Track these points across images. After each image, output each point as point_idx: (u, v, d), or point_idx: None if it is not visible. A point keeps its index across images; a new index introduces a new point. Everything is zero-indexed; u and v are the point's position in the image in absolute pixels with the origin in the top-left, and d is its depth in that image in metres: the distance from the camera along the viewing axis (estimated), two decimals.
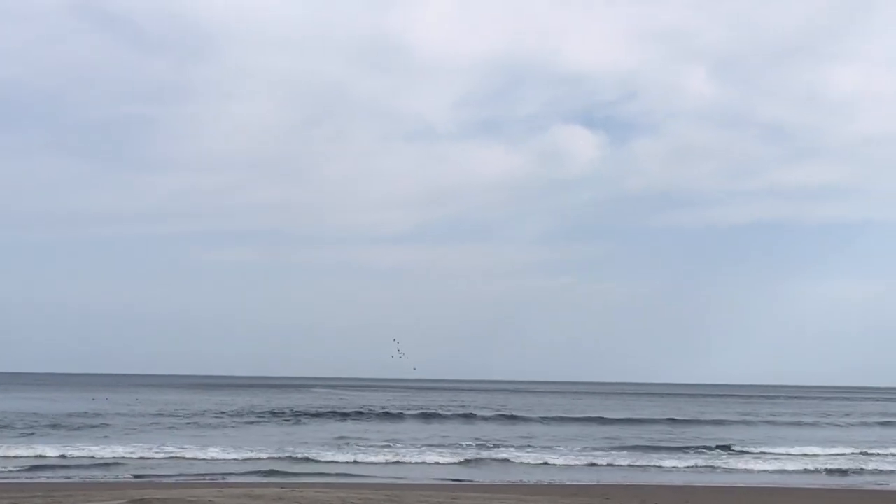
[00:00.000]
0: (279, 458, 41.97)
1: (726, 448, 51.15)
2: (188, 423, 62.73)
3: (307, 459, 42.33)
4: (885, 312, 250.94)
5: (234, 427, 61.39)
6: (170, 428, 58.58)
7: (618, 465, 42.77)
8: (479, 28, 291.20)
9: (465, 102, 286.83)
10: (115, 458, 40.87)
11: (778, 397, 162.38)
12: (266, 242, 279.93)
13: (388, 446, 48.26)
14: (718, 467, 43.10)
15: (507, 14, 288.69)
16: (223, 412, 75.04)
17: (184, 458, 41.62)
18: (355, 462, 41.58)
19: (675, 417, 78.76)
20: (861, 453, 49.75)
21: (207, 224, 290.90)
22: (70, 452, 42.17)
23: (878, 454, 49.64)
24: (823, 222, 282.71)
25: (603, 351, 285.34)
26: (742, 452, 49.26)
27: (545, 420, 73.82)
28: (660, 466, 42.67)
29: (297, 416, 72.34)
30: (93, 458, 40.92)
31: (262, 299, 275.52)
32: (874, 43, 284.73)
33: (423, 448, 47.40)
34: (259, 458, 41.81)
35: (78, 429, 55.86)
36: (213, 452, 43.14)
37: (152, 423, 61.56)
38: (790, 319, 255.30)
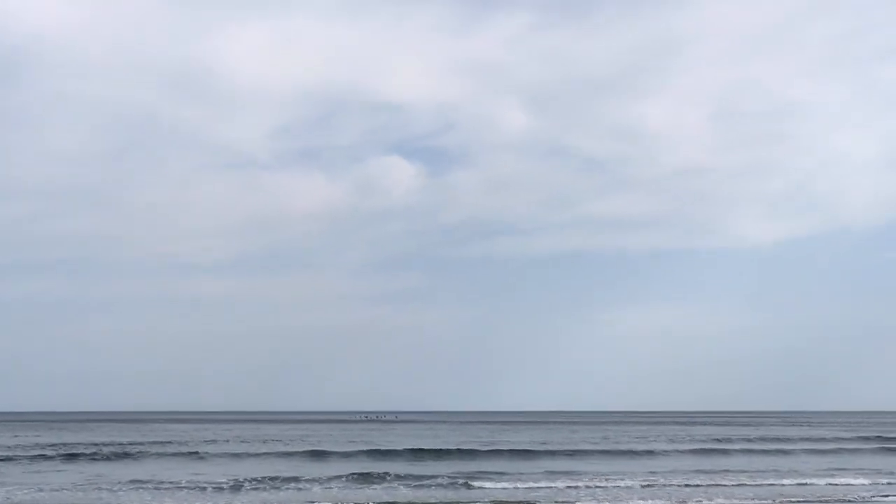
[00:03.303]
0: None
1: (465, 482, 47.00)
2: None
3: None
4: (696, 339, 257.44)
5: None
6: None
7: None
8: (297, 58, 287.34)
9: (284, 132, 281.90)
10: None
11: (589, 423, 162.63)
12: (72, 272, 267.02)
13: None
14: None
15: (326, 44, 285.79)
16: None
17: None
18: None
19: (426, 447, 74.05)
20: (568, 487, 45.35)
21: (8, 255, 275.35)
22: None
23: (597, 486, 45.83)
24: (636, 252, 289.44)
25: (421, 380, 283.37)
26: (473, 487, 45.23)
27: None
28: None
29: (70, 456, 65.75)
30: None
31: (66, 332, 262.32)
32: (683, 79, 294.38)
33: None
34: None
35: None
36: None
37: None
38: (604, 346, 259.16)
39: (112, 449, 71.78)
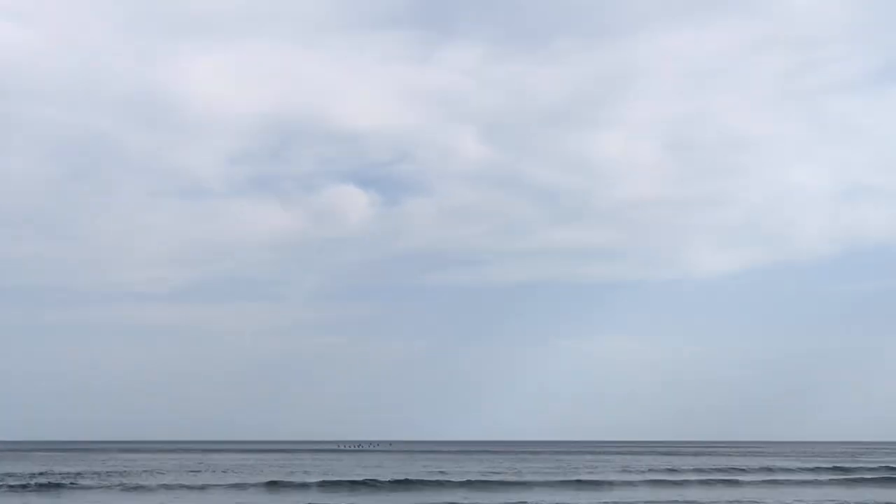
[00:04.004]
0: None
1: None
2: None
3: None
4: (649, 368, 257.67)
5: None
6: None
7: None
8: (253, 85, 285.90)
9: (240, 159, 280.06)
10: None
11: (541, 452, 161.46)
12: (21, 299, 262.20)
13: None
14: None
15: (282, 72, 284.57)
16: None
17: None
18: None
19: (378, 478, 72.18)
20: None
21: None
22: None
23: None
24: (590, 282, 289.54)
25: (376, 409, 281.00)
26: None
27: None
28: None
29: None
30: None
31: (14, 359, 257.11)
32: (637, 111, 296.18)
33: None
34: None
35: None
36: None
37: None
38: (559, 376, 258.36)
39: (46, 479, 69.39)
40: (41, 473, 77.80)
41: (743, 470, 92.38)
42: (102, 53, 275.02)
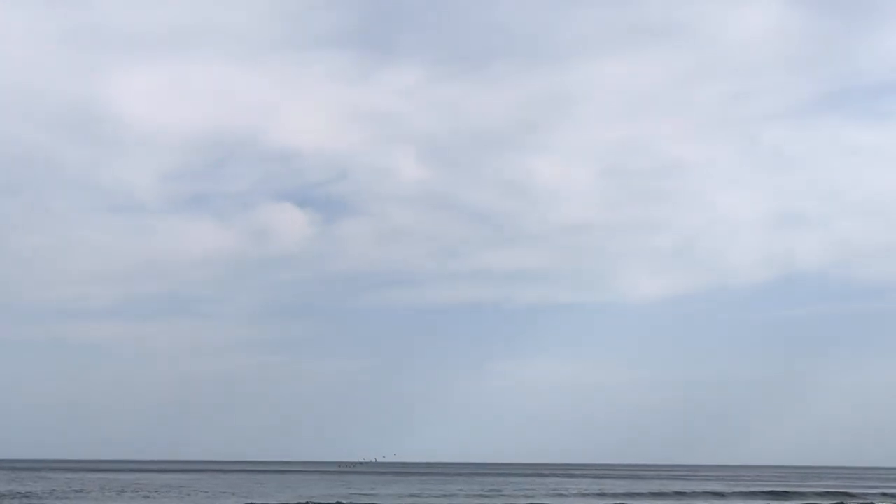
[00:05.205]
0: None
1: None
2: None
3: None
4: (583, 392, 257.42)
5: None
6: None
7: None
8: (191, 102, 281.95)
9: (176, 176, 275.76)
10: None
11: (476, 474, 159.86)
12: None
13: None
14: None
15: (221, 89, 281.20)
16: None
17: None
18: None
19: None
20: None
21: None
22: None
23: None
24: (525, 305, 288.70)
25: (313, 429, 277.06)
26: None
27: None
28: None
29: None
30: None
31: None
32: (573, 135, 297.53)
33: None
34: None
35: None
36: None
37: None
38: (493, 398, 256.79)
39: None
40: None
41: (682, 494, 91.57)
42: (37, 67, 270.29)
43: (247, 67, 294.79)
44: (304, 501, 71.04)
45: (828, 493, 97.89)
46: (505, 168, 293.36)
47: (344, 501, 71.02)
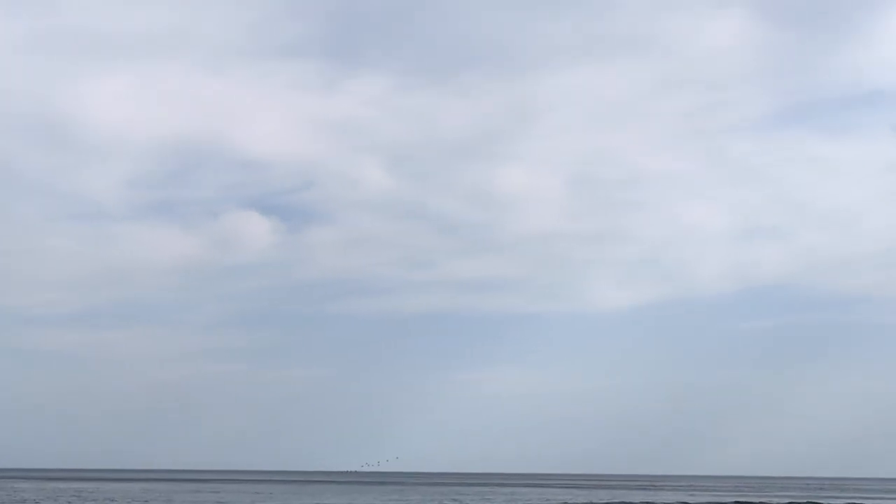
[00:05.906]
0: None
1: None
2: None
3: None
4: (551, 400, 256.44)
5: None
6: None
7: None
8: (157, 109, 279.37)
9: (139, 183, 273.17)
10: None
11: (437, 484, 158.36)
12: None
13: None
14: None
15: (185, 97, 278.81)
16: None
17: None
18: None
19: None
20: None
21: None
22: None
23: None
24: (491, 314, 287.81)
25: (275, 437, 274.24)
26: None
27: None
28: None
29: None
30: None
31: None
32: (541, 145, 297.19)
33: None
34: None
35: None
36: None
37: None
38: (461, 407, 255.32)
39: None
40: None
41: None
42: (2, 73, 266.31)
43: (213, 75, 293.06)
44: None
45: (792, 503, 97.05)
46: (473, 177, 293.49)
47: None
